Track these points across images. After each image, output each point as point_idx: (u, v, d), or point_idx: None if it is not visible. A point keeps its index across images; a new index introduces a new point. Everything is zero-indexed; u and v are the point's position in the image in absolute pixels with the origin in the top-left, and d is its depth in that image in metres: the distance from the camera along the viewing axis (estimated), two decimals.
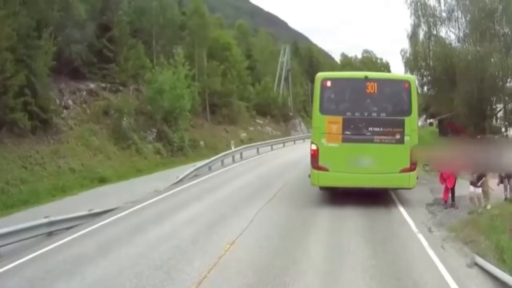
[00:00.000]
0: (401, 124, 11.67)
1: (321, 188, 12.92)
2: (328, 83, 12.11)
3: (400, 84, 12.30)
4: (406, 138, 11.63)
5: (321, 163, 11.90)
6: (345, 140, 11.78)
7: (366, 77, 12.29)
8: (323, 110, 12.04)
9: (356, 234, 9.61)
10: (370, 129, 11.73)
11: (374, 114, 11.86)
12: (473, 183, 11.16)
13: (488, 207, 11.16)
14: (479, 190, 11.18)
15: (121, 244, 9.25)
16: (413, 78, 13.21)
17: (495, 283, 6.81)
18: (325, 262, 7.90)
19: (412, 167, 11.72)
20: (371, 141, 11.69)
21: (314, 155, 12.02)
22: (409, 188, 12.32)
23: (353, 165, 11.65)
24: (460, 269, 7.48)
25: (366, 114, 11.88)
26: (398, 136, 11.64)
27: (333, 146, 11.81)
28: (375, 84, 11.95)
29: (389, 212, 11.65)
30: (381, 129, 11.71)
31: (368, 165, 11.58)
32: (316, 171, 12.05)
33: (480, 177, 11.14)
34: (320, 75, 12.58)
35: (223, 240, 9.08)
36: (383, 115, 11.85)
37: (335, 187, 12.70)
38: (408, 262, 7.84)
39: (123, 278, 7.24)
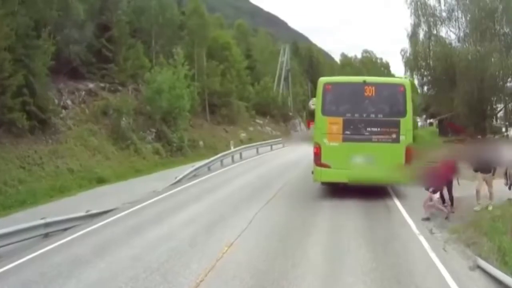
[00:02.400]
0: (397, 125, 12.50)
1: (323, 183, 13.62)
2: (330, 87, 13.08)
3: (396, 88, 13.16)
4: (402, 137, 12.48)
5: (323, 160, 12.76)
6: (345, 139, 12.62)
7: (364, 81, 13.23)
8: (324, 112, 12.93)
9: (356, 235, 9.48)
10: (368, 129, 12.57)
11: (372, 116, 12.66)
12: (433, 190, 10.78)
13: (490, 208, 11.02)
14: (436, 196, 10.76)
15: (118, 246, 9.13)
16: (408, 82, 13.98)
17: (497, 286, 6.69)
18: (325, 265, 7.77)
19: (407, 163, 12.40)
20: (369, 140, 12.53)
21: (317, 154, 12.89)
22: (405, 183, 13.18)
23: (353, 162, 12.40)
24: (463, 272, 7.34)
25: (364, 115, 12.68)
26: (394, 136, 12.48)
27: (334, 145, 12.68)
28: (373, 88, 12.85)
29: (389, 213, 11.53)
30: (379, 129, 12.56)
31: (367, 162, 12.31)
32: (319, 168, 12.92)
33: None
34: (322, 79, 13.59)
35: (221, 242, 8.95)
36: (380, 116, 12.65)
37: (336, 183, 13.27)
38: (410, 264, 7.70)
39: (118, 281, 7.11)
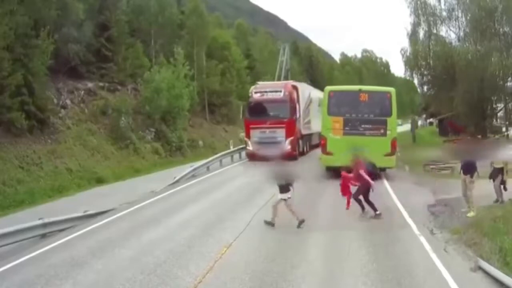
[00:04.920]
0: (385, 123, 16.09)
1: (327, 168, 16.79)
2: (333, 94, 16.95)
3: (384, 94, 16.76)
4: (388, 132, 16.10)
5: (328, 150, 16.50)
6: (345, 133, 16.18)
7: (360, 90, 17.16)
8: (329, 113, 16.69)
9: (356, 237, 9.40)
10: (363, 126, 16.12)
11: (366, 115, 16.27)
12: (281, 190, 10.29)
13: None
14: (283, 196, 10.22)
15: (115, 247, 9.05)
16: (394, 90, 16.96)
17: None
18: (324, 266, 7.70)
19: (392, 152, 16.14)
20: (363, 134, 15.98)
21: (323, 145, 16.85)
22: (391, 168, 16.70)
23: (351, 151, 14.38)
24: (464, 273, 7.26)
25: (360, 115, 16.30)
26: (382, 131, 16.07)
27: (337, 138, 16.20)
28: (366, 94, 16.60)
29: (389, 214, 11.43)
30: (371, 126, 16.10)
31: (361, 151, 14.46)
32: (324, 156, 16.83)
33: (285, 186, 10.27)
34: (328, 88, 17.67)
35: (219, 243, 8.88)
36: (372, 116, 16.25)
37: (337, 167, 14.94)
38: (410, 266, 7.62)
39: (116, 283, 7.05)
